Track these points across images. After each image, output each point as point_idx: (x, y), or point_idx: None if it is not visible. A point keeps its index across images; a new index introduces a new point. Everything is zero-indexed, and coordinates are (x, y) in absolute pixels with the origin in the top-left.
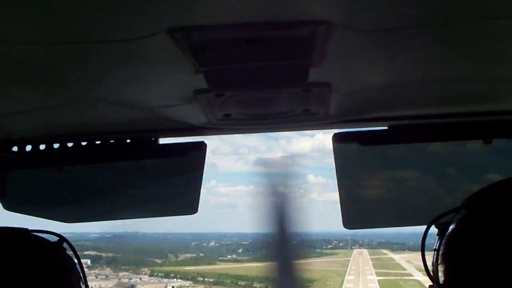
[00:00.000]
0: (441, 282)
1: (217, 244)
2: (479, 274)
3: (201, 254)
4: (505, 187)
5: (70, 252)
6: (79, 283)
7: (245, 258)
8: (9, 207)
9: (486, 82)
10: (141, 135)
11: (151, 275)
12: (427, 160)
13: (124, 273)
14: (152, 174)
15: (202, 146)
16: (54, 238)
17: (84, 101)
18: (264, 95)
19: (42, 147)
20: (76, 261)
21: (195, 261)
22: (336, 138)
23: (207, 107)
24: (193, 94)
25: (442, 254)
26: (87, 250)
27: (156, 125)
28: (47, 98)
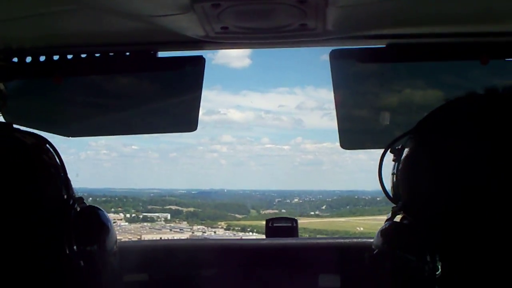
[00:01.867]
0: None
1: (300, 201)
2: (433, 195)
3: (283, 210)
4: (453, 107)
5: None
6: (56, 183)
7: (327, 214)
8: (8, 118)
9: (486, 1)
10: (140, 48)
11: (227, 229)
12: (424, 80)
13: (199, 226)
14: (151, 88)
15: (200, 60)
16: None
17: (83, 8)
18: (260, 6)
19: (42, 58)
20: (59, 163)
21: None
22: (334, 55)
23: (204, 18)
24: (189, 2)
25: (399, 177)
26: (169, 205)
27: (154, 37)
28: (46, 5)
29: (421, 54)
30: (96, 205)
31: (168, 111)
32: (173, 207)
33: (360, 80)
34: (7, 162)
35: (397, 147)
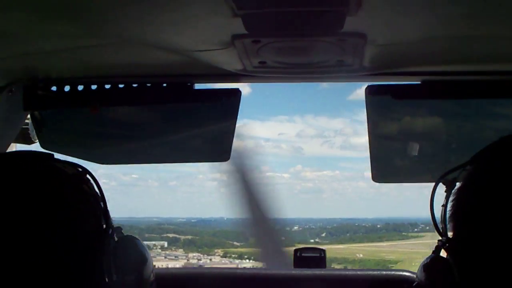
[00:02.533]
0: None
1: (300, 229)
2: (484, 229)
3: (282, 238)
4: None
5: None
6: (96, 213)
7: (326, 241)
8: (45, 145)
9: None
10: (177, 80)
11: (223, 256)
12: (459, 117)
13: (194, 254)
14: (186, 119)
15: (236, 92)
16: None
17: (123, 42)
18: (299, 43)
19: (80, 88)
20: (98, 193)
21: None
22: (369, 91)
23: (243, 53)
24: (230, 39)
25: (450, 210)
26: (167, 233)
27: (192, 70)
28: (86, 38)
29: (456, 91)
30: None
31: (203, 141)
32: (171, 235)
33: (394, 115)
34: (49, 191)
35: (449, 179)
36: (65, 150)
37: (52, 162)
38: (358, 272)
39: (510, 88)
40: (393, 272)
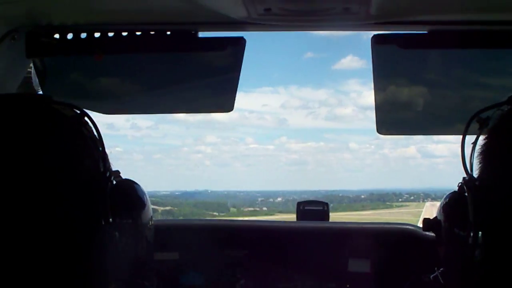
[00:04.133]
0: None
1: (283, 200)
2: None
3: (264, 208)
4: None
5: None
6: (94, 155)
7: None
8: (48, 93)
9: None
10: (181, 27)
11: None
12: (465, 68)
13: None
14: (191, 67)
15: (241, 41)
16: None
17: None
18: None
19: (83, 35)
20: (97, 136)
21: (254, 213)
22: (375, 40)
23: (248, 0)
24: None
25: (481, 148)
26: None
27: (196, 17)
28: None
29: (463, 41)
30: None
31: (206, 91)
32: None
33: (400, 65)
34: (46, 132)
35: (482, 118)
36: (67, 98)
37: (50, 104)
38: (362, 225)
39: None
40: (397, 226)
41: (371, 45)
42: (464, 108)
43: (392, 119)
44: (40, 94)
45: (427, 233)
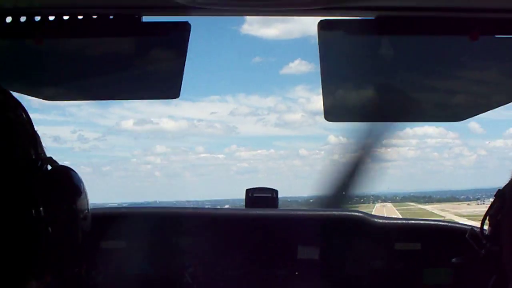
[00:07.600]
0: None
1: (230, 207)
2: None
3: None
4: None
5: None
6: (23, 143)
7: None
8: None
9: None
10: (124, 12)
11: None
12: (412, 55)
13: None
14: (134, 53)
15: (185, 26)
16: None
17: None
18: None
19: (22, 19)
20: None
21: None
22: (322, 26)
23: None
24: None
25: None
26: None
27: (139, 0)
28: None
29: (410, 27)
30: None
31: (151, 77)
32: None
33: (347, 52)
34: None
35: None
36: (7, 84)
37: None
38: (310, 212)
39: (464, 25)
40: (345, 213)
41: (318, 31)
42: (411, 95)
43: (340, 106)
44: None
45: (376, 219)
